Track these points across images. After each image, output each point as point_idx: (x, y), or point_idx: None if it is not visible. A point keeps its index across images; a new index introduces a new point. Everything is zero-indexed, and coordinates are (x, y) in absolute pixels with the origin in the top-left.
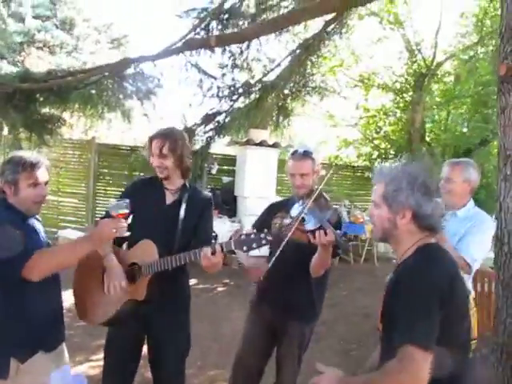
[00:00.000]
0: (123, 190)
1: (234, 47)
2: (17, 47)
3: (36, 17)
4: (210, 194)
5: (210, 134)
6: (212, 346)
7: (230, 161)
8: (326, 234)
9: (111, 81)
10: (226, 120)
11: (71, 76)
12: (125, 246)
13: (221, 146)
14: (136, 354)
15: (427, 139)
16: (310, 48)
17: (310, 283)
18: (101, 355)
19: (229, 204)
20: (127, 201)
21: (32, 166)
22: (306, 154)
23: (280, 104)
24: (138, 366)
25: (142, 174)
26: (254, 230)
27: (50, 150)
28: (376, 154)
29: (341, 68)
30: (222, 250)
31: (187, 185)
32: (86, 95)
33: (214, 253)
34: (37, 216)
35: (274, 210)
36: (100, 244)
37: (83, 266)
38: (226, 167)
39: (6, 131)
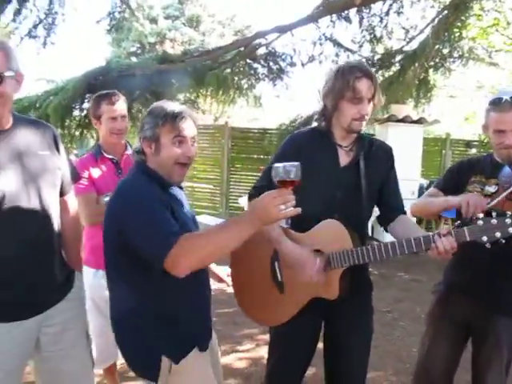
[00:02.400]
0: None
1: (372, 16)
2: (151, 46)
3: (167, 17)
4: (389, 146)
5: None
6: None
7: None
8: None
9: (243, 63)
10: None
11: (206, 55)
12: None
13: None
14: (311, 347)
15: None
16: (460, 7)
17: None
18: (246, 346)
19: None
20: (297, 164)
21: (175, 117)
22: None
23: (421, 77)
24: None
25: None
26: (494, 214)
27: None
28: None
29: (495, 28)
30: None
31: (362, 135)
32: (220, 77)
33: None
34: (181, 185)
35: (466, 173)
36: (260, 226)
37: (241, 252)
38: None
39: None
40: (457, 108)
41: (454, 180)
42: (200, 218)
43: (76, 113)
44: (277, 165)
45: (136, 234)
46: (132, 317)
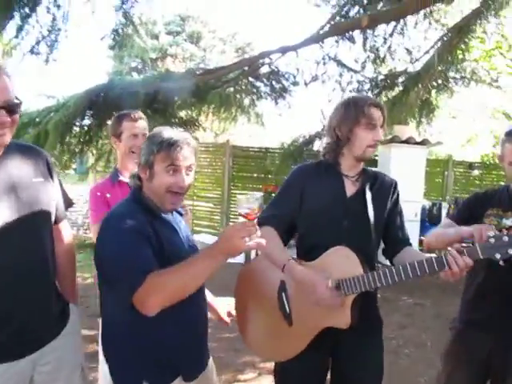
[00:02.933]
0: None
1: (376, 37)
2: (153, 62)
3: (168, 33)
4: (394, 179)
5: None
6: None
7: (371, 162)
8: None
9: (245, 81)
10: None
11: (210, 74)
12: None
13: None
14: (321, 381)
15: None
16: (464, 29)
17: None
18: (248, 375)
19: None
20: (259, 195)
21: (170, 145)
22: None
23: (424, 98)
24: None
25: (277, 176)
26: (505, 232)
27: None
28: None
29: (498, 51)
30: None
31: (366, 168)
32: (223, 96)
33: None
34: (180, 209)
35: (481, 206)
36: (225, 260)
37: (246, 282)
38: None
39: None
40: (458, 129)
41: (470, 211)
42: (199, 237)
43: (76, 129)
44: (240, 197)
45: (108, 266)
46: (119, 340)
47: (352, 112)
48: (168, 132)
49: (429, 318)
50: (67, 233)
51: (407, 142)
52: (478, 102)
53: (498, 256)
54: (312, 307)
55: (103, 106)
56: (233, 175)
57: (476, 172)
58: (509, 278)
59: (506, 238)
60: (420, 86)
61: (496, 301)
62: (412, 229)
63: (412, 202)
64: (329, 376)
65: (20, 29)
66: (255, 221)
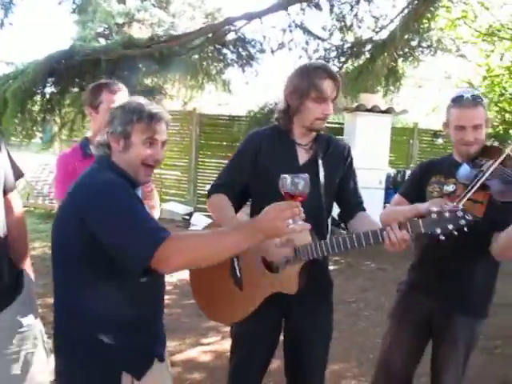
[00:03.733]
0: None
1: (342, 4)
2: (119, 28)
3: None
4: (347, 144)
5: None
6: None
7: (338, 130)
8: None
9: (212, 48)
10: None
11: (174, 40)
12: (242, 214)
13: None
14: (273, 344)
15: None
16: None
17: (488, 269)
18: (212, 339)
19: None
20: (305, 176)
21: (151, 117)
22: (478, 99)
23: (390, 66)
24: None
25: None
26: (448, 206)
27: None
28: (500, 119)
29: (463, 20)
30: (408, 231)
31: (320, 135)
32: (188, 63)
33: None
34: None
35: (426, 174)
36: (262, 240)
37: None
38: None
39: None
40: (425, 98)
41: (416, 183)
42: (167, 206)
43: (37, 97)
44: (284, 176)
45: (112, 231)
46: (87, 326)
47: (304, 83)
48: (146, 103)
49: (389, 283)
50: (17, 203)
51: (372, 110)
52: (444, 71)
53: (438, 231)
54: (261, 273)
55: (65, 73)
56: (200, 143)
57: (440, 140)
58: (452, 253)
59: (447, 214)
60: (386, 54)
61: (438, 268)
62: (377, 196)
63: (377, 170)
64: (282, 337)
65: None
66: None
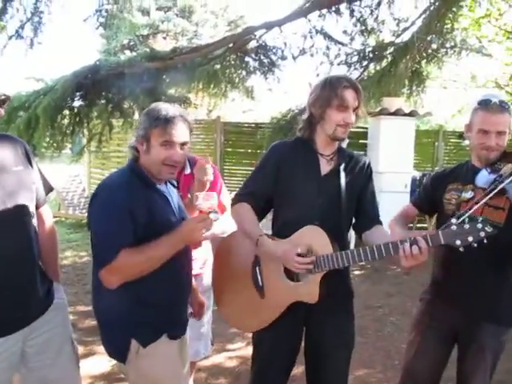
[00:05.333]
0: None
1: (363, 9)
2: (144, 39)
3: (159, 8)
4: (368, 158)
5: None
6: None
7: (362, 134)
8: None
9: (234, 56)
10: None
11: (195, 52)
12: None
13: None
14: (294, 351)
15: None
16: None
17: (509, 273)
18: (237, 344)
19: None
20: (214, 193)
21: (166, 122)
22: (504, 106)
23: (414, 68)
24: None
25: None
26: (467, 219)
27: None
28: None
29: (488, 19)
30: (428, 244)
31: (342, 148)
32: (211, 72)
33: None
34: (173, 181)
35: (441, 183)
36: (180, 247)
37: (224, 259)
38: (356, 141)
39: (136, 115)
40: (450, 99)
41: (428, 193)
42: None
43: (66, 112)
44: (197, 194)
45: (92, 238)
46: (109, 298)
47: (326, 92)
48: (165, 108)
49: (416, 286)
50: (48, 216)
51: (396, 113)
52: (470, 71)
53: (458, 243)
54: (283, 282)
55: (91, 87)
56: (225, 151)
57: (467, 142)
58: (475, 261)
59: (467, 226)
60: (408, 57)
61: (458, 279)
62: (402, 200)
63: (402, 173)
64: (303, 345)
65: (3, 12)
66: (211, 215)
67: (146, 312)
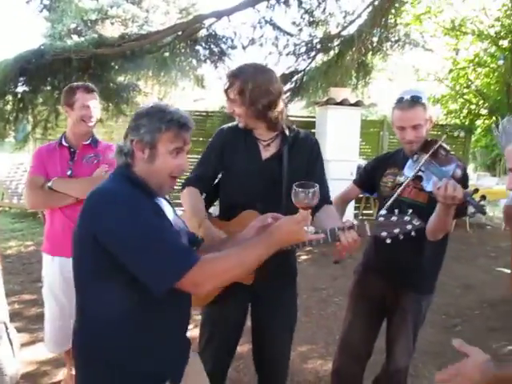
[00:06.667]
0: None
1: (311, 0)
2: (92, 24)
3: None
4: (314, 137)
5: (287, 95)
6: (300, 319)
7: (309, 123)
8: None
9: (184, 44)
10: (304, 79)
11: (144, 39)
12: (212, 210)
13: (297, 109)
14: (239, 326)
15: None
16: None
17: (427, 249)
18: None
19: None
20: (316, 189)
21: (180, 126)
22: (416, 100)
23: (360, 60)
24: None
25: None
26: (396, 212)
27: (126, 120)
28: (466, 110)
29: (428, 16)
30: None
31: (286, 132)
32: (160, 60)
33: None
34: (166, 196)
35: (382, 166)
36: (276, 248)
37: None
38: (305, 130)
39: None
40: (395, 91)
41: (369, 174)
42: None
43: (9, 97)
44: (298, 189)
45: (132, 252)
46: (102, 347)
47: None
48: (173, 109)
49: None
50: None
51: (342, 103)
52: (412, 65)
53: (384, 234)
54: None
55: (36, 72)
56: None
57: None
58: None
59: (394, 218)
60: (354, 49)
61: (385, 254)
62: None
63: (348, 162)
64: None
65: None
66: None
67: (146, 360)
